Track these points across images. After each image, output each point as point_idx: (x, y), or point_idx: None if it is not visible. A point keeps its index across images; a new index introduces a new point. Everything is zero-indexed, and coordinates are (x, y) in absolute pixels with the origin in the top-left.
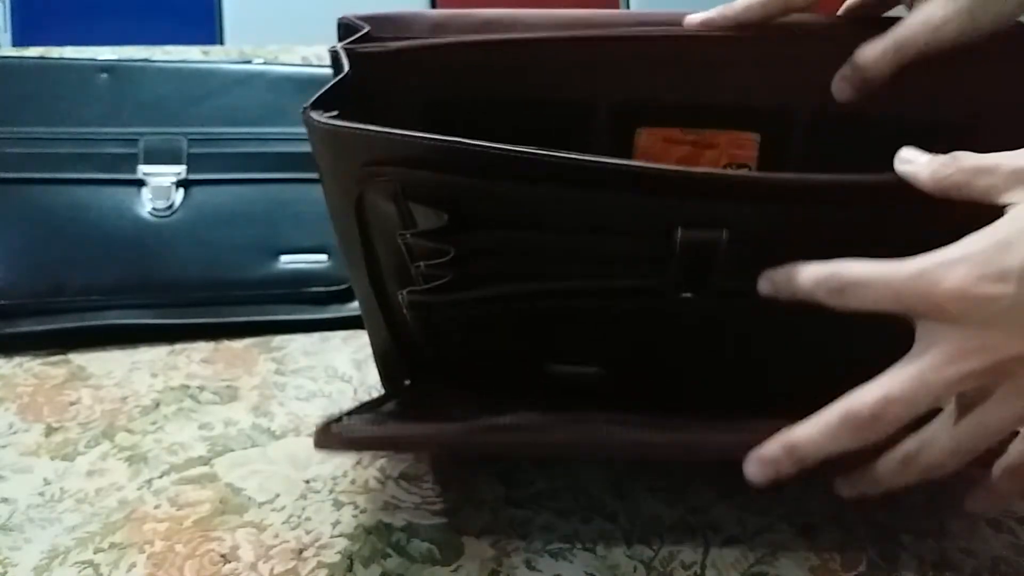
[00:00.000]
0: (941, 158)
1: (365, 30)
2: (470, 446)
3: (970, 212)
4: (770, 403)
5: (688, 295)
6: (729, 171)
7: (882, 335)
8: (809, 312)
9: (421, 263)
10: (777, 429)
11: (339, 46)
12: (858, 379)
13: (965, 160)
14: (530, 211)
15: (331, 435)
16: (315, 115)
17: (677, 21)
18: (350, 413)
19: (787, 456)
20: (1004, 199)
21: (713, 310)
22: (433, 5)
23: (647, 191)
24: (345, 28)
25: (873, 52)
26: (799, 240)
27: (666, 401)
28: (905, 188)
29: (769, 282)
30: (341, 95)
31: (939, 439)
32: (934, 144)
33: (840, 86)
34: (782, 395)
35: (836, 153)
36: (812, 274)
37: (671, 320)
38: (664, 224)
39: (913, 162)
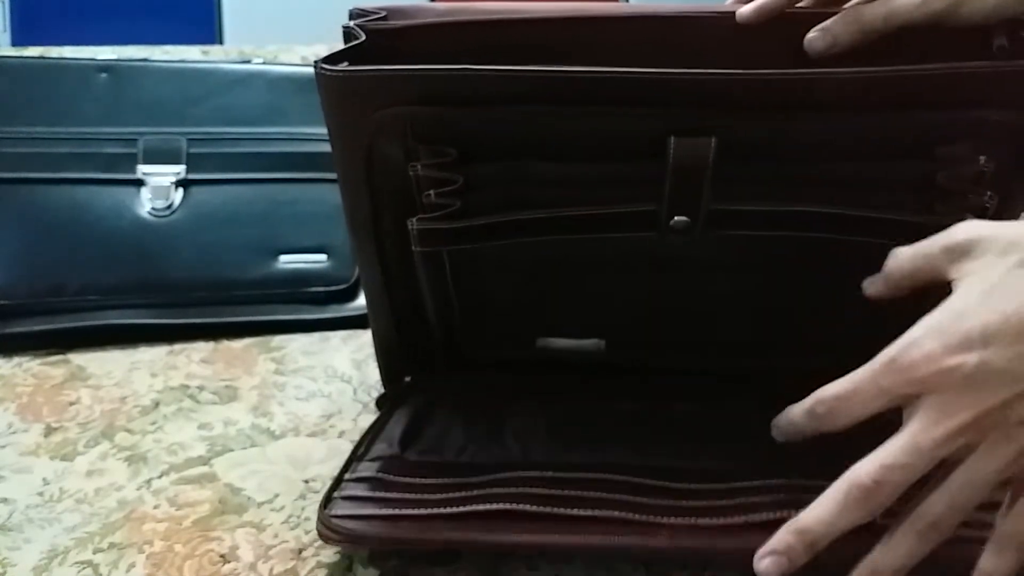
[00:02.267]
0: (884, 268)
1: (383, 14)
2: (460, 544)
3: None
4: (770, 378)
5: (683, 219)
6: (713, 71)
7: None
8: (801, 261)
9: (431, 192)
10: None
11: (352, 23)
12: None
13: (903, 253)
14: (534, 139)
15: (331, 528)
16: (327, 66)
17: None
18: (341, 479)
19: (799, 542)
20: (950, 275)
21: (707, 251)
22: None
23: (637, 96)
24: (357, 16)
25: (875, 10)
26: (783, 149)
27: (664, 386)
28: (880, 84)
29: (777, 430)
30: (351, 61)
31: (935, 498)
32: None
33: (820, 37)
34: (780, 362)
35: None
36: (798, 409)
37: (669, 266)
38: (657, 134)
39: (872, 282)
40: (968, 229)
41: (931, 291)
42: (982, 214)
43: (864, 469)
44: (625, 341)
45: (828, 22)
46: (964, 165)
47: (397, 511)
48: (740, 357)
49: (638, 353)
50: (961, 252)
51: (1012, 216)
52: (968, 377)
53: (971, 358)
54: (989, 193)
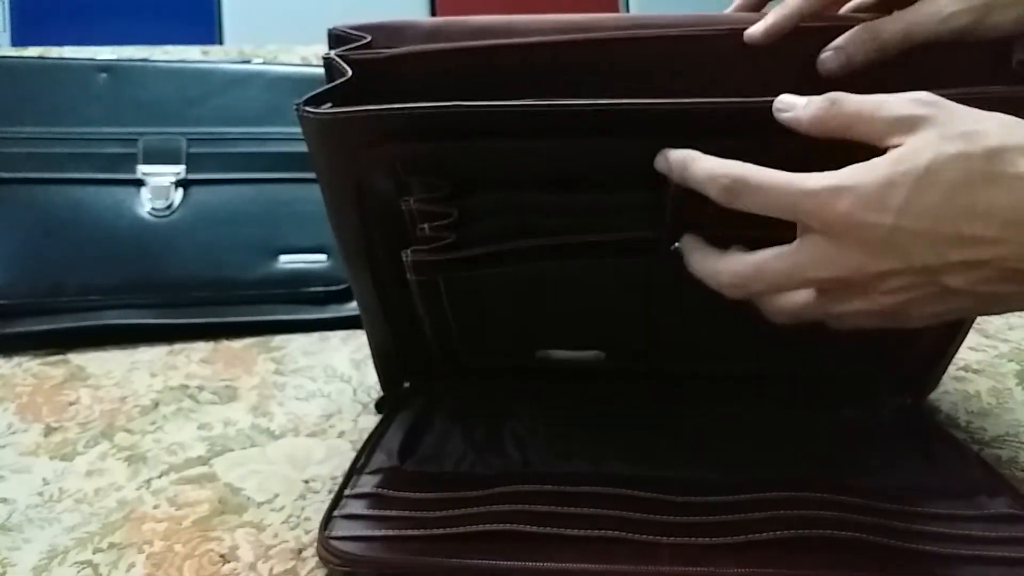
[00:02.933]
0: (819, 101)
1: (366, 40)
2: (458, 570)
3: None
4: (768, 382)
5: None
6: (696, 100)
7: None
8: None
9: (425, 225)
10: None
11: (333, 53)
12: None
13: (845, 105)
14: (528, 170)
15: (330, 551)
16: (310, 109)
17: (673, 24)
18: (341, 496)
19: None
20: (886, 143)
21: None
22: (433, 11)
23: (632, 129)
24: (336, 39)
25: (893, 26)
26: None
27: (663, 388)
28: None
29: (664, 159)
30: (336, 98)
31: (779, 265)
32: None
33: (834, 56)
34: (778, 368)
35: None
36: (707, 167)
37: (667, 284)
38: (654, 164)
39: (792, 107)
40: (919, 102)
41: None
42: None
43: (745, 265)
44: (624, 353)
45: (842, 39)
46: None
47: (396, 531)
48: (739, 363)
49: (637, 363)
50: (907, 127)
51: None
52: (870, 240)
53: (884, 222)
54: None
